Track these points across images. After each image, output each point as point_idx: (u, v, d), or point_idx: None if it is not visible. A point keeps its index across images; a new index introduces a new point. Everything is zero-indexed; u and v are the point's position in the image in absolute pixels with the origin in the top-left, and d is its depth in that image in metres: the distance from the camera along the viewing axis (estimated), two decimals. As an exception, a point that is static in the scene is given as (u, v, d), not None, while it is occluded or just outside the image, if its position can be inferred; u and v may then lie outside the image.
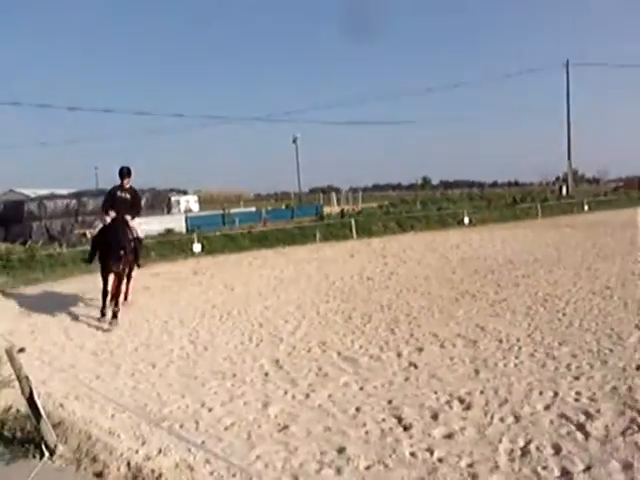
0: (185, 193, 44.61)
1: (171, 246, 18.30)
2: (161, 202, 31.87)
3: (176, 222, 25.81)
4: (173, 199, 35.24)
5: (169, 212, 31.80)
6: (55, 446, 3.85)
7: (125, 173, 8.91)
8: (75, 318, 8.82)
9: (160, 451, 3.93)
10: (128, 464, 3.74)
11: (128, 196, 8.99)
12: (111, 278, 8.58)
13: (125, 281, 9.23)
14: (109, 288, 8.60)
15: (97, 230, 9.06)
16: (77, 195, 26.60)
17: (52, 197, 25.95)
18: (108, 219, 8.68)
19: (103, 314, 8.46)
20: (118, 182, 8.99)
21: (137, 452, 3.92)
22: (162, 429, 4.33)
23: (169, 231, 23.15)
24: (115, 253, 8.11)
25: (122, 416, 4.62)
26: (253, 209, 37.71)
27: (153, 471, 3.62)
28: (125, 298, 9.48)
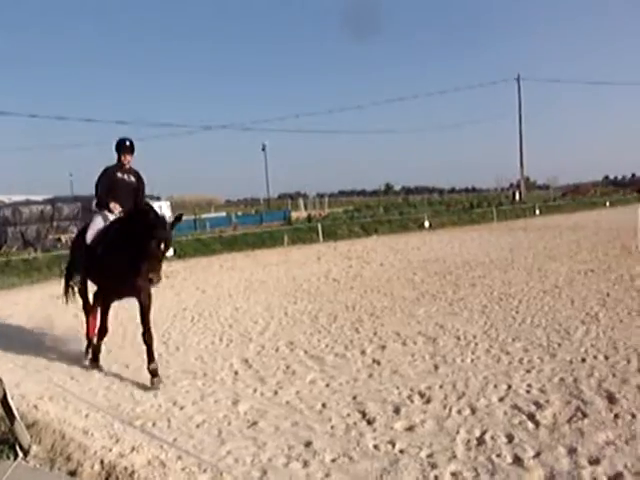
0: (158, 199, 44.05)
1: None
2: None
3: (149, 227, 25.66)
4: (146, 204, 34.87)
5: (142, 217, 31.54)
6: (29, 446, 3.88)
7: (127, 147, 6.24)
8: (49, 321, 8.72)
9: (133, 449, 3.98)
10: (102, 462, 3.77)
11: (132, 179, 6.35)
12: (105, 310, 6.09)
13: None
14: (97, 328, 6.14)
15: (91, 235, 6.15)
16: (52, 201, 26.43)
17: (27, 203, 25.77)
18: (111, 216, 6.09)
19: (95, 361, 6.26)
20: (114, 161, 6.31)
21: (111, 450, 3.96)
22: (135, 428, 4.40)
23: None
24: (153, 244, 5.18)
25: (96, 416, 4.67)
26: (224, 214, 37.66)
27: (126, 468, 3.67)
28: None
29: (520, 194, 46.97)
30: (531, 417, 4.24)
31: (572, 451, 3.66)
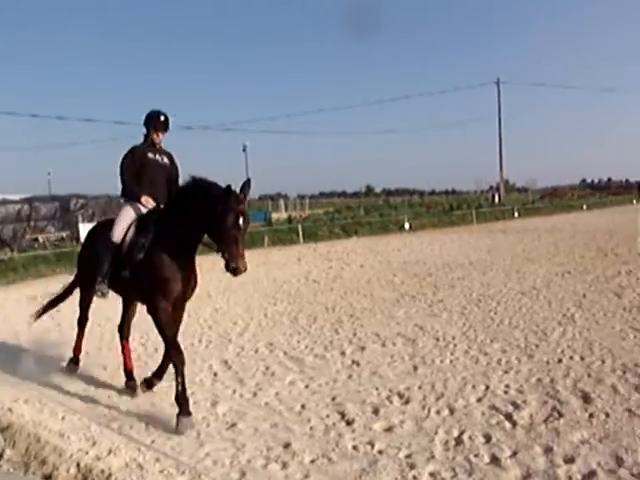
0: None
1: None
2: (114, 208, 31.67)
3: (128, 228, 25.45)
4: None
5: (121, 218, 31.36)
6: (3, 450, 3.82)
7: (161, 123, 5.09)
8: (26, 323, 8.52)
9: (110, 451, 3.94)
10: (78, 465, 3.74)
11: (166, 161, 5.21)
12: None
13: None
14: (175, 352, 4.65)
15: (120, 231, 4.87)
16: (29, 200, 26.08)
17: (3, 202, 25.39)
18: (143, 209, 4.98)
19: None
20: (143, 140, 5.17)
21: (87, 453, 3.92)
22: (112, 430, 4.35)
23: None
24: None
25: (72, 418, 4.61)
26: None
27: (103, 471, 3.64)
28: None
29: (499, 196, 47.57)
30: (508, 417, 4.30)
31: (548, 450, 3.72)
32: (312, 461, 3.77)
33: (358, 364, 5.88)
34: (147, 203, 4.95)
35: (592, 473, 3.40)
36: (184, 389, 4.47)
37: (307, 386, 5.29)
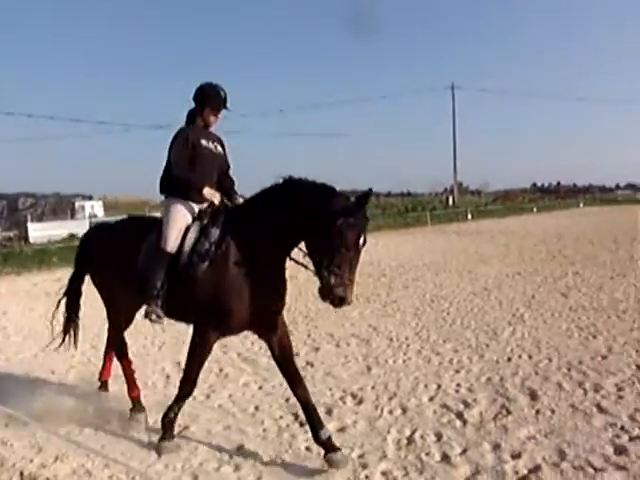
0: (90, 198, 42.47)
1: (74, 251, 17.55)
2: (65, 207, 30.97)
3: (80, 227, 24.68)
4: (77, 204, 33.94)
5: (73, 217, 30.63)
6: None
7: (222, 100, 4.11)
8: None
9: (57, 458, 3.84)
10: (21, 474, 3.63)
11: (220, 149, 4.25)
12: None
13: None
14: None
15: (174, 237, 3.88)
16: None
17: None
18: (196, 207, 4.00)
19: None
20: (193, 120, 4.16)
21: (31, 461, 3.81)
22: (60, 437, 4.22)
23: (73, 236, 22.14)
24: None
25: (17, 425, 4.44)
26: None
27: (48, 479, 3.57)
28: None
29: (453, 199, 48.52)
30: (459, 416, 4.39)
31: (496, 447, 3.82)
32: (265, 463, 3.75)
33: (312, 365, 5.89)
34: (212, 197, 3.96)
35: (537, 467, 3.51)
36: (175, 417, 3.97)
37: (261, 387, 5.27)
